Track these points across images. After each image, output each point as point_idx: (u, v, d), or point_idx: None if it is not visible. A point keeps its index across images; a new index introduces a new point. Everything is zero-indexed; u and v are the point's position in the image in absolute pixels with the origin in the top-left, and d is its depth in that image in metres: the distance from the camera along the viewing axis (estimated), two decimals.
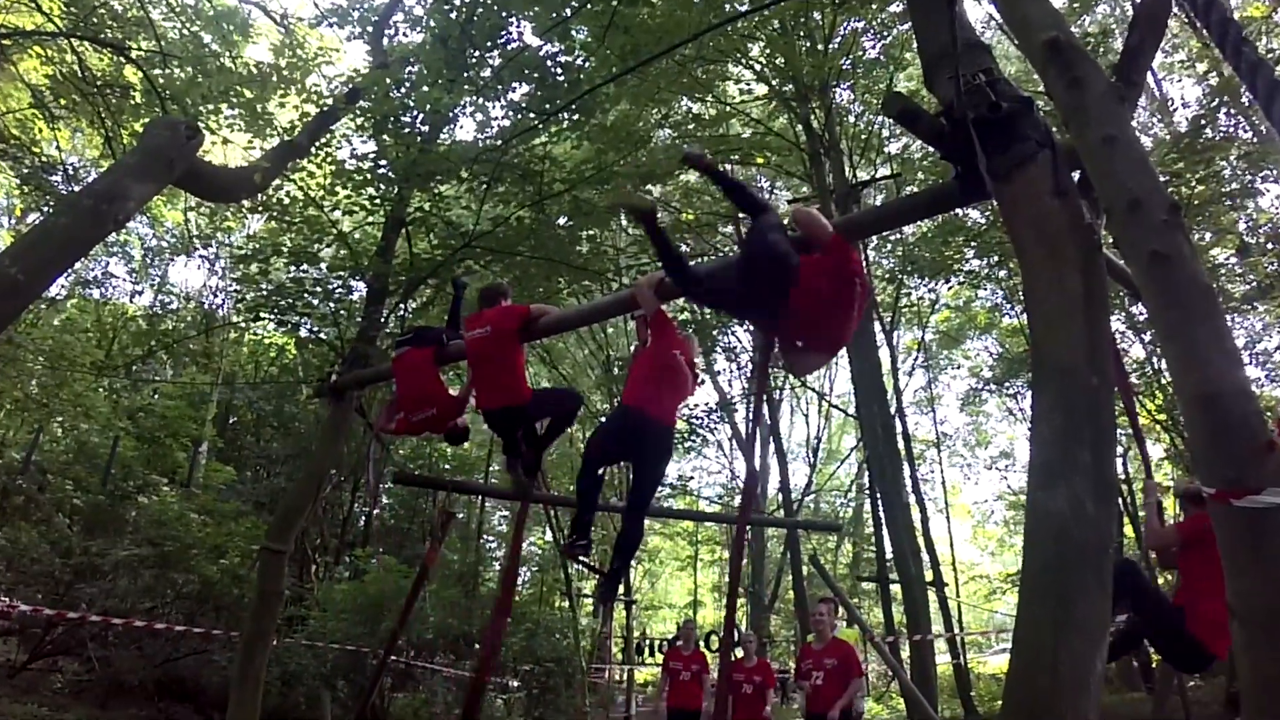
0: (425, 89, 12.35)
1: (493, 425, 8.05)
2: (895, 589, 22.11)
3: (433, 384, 8.29)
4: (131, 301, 27.26)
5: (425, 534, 25.89)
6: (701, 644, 14.21)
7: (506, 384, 7.64)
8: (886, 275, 24.80)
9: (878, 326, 25.22)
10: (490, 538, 34.46)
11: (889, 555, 21.99)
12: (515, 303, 8.27)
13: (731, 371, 30.79)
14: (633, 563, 36.88)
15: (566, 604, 29.31)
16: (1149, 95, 19.95)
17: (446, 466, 27.54)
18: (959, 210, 18.24)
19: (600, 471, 7.38)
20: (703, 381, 27.01)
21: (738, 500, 34.65)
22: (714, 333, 24.52)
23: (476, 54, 12.40)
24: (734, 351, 29.05)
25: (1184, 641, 6.01)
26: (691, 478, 34.51)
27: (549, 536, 31.03)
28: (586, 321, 9.82)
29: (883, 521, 22.24)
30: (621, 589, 29.54)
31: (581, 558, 7.95)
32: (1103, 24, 19.52)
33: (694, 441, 28.34)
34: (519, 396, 7.67)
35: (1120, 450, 21.20)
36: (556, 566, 31.50)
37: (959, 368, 32.81)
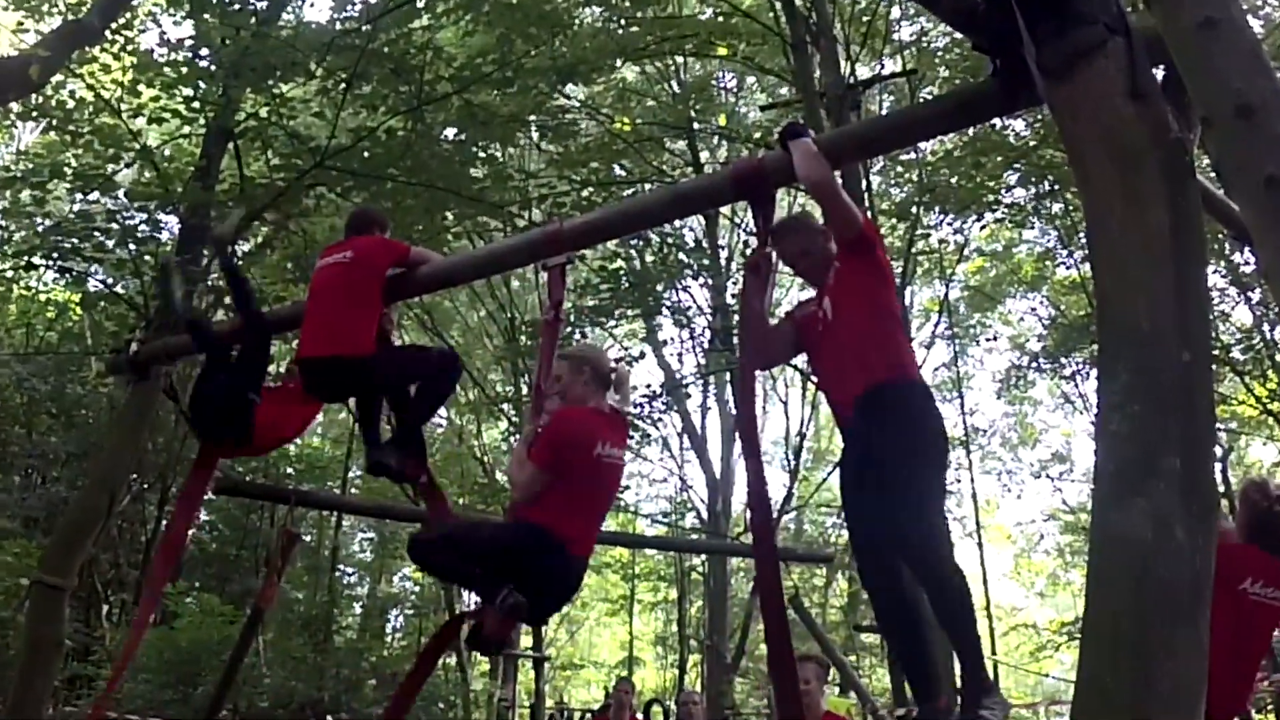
0: None
1: (317, 389, 8.02)
2: None
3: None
4: None
5: (259, 563, 25.69)
6: (640, 717, 14.22)
7: (344, 327, 7.59)
8: (896, 210, 24.79)
9: None
10: (348, 569, 34.37)
11: None
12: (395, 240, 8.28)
13: (682, 342, 30.66)
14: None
15: (453, 660, 29.29)
16: None
17: (290, 471, 27.37)
18: (996, 121, 18.37)
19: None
20: (638, 359, 26.97)
21: (691, 519, 34.99)
22: (659, 289, 24.51)
23: None
24: (686, 315, 28.92)
25: None
26: (626, 488, 34.14)
27: None
28: (483, 273, 9.78)
29: None
30: (528, 640, 29.68)
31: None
32: None
33: (630, 440, 28.35)
34: (357, 345, 7.59)
35: (1219, 452, 21.33)
36: (440, 609, 31.48)
37: (995, 338, 33.01)
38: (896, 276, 22.61)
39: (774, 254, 6.44)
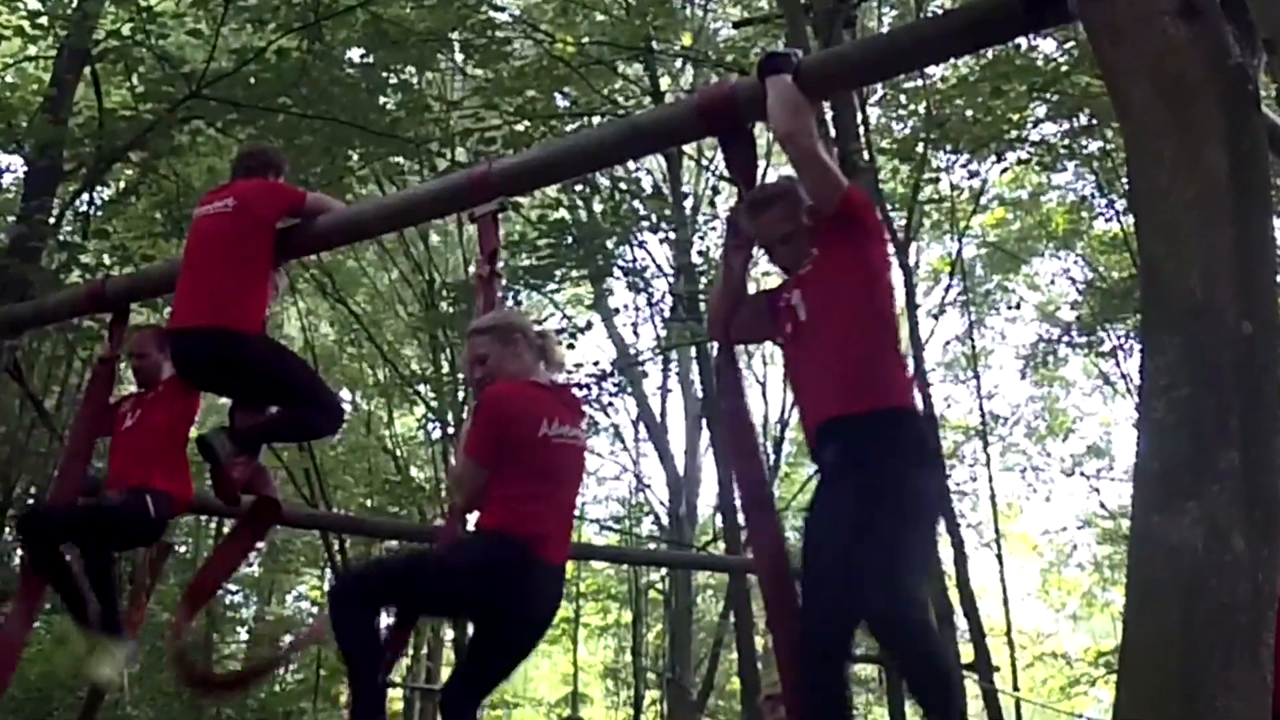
0: None
1: (189, 370, 8.07)
2: None
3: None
4: None
5: (124, 580, 25.57)
6: None
7: (225, 292, 7.62)
8: (899, 150, 24.74)
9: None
10: (232, 586, 34.23)
11: None
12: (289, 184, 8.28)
13: (638, 310, 30.57)
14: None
15: (346, 698, 29.30)
16: None
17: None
18: (1020, 40, 18.40)
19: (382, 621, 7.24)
20: (584, 330, 27.00)
21: (648, 526, 34.88)
22: (610, 245, 24.48)
23: None
24: (642, 276, 28.77)
25: None
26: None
27: (329, 580, 30.95)
28: (396, 224, 9.78)
29: None
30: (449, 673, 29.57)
31: None
32: None
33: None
34: (241, 317, 7.62)
35: None
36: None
37: (1019, 305, 32.93)
38: (899, 229, 22.66)
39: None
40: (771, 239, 6.17)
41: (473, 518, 6.82)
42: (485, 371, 6.66)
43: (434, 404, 27.78)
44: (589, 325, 27.58)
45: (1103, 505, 33.02)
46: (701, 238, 25.03)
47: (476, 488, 6.39)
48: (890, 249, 6.31)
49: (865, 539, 5.30)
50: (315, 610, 34.88)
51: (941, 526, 23.85)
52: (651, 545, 32.35)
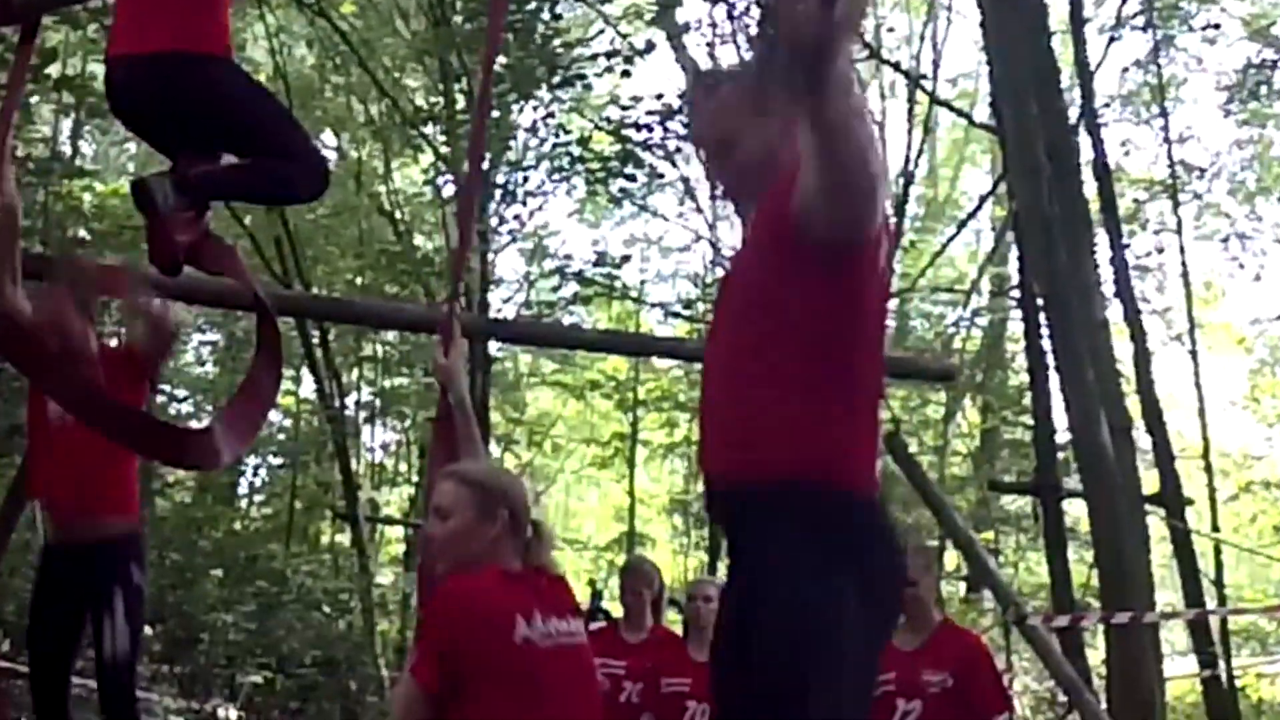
0: None
1: (124, 107, 8.13)
2: (1077, 513, 22.84)
3: None
4: None
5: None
6: (669, 612, 13.89)
7: (176, 8, 7.71)
8: None
9: None
10: (178, 392, 34.70)
11: (1061, 438, 22.79)
12: None
13: (714, 25, 29.53)
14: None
15: (346, 538, 29.96)
16: None
17: (83, 234, 27.50)
18: None
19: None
20: (645, 53, 27.40)
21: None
22: None
23: None
24: None
25: None
26: (626, 259, 33.10)
27: (307, 383, 31.60)
28: None
29: (1049, 364, 23.04)
30: None
31: None
32: None
33: (632, 182, 28.27)
34: (196, 37, 7.70)
35: None
36: (327, 457, 32.09)
37: (1218, 25, 32.04)
38: None
39: None
40: (707, 140, 5.40)
41: None
42: (445, 534, 6.31)
43: (444, 150, 27.35)
44: (650, 46, 27.71)
45: None
46: None
47: None
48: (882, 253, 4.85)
49: (757, 660, 4.59)
50: (288, 425, 35.57)
51: (1118, 315, 24.36)
52: None
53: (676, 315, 33.75)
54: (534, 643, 5.89)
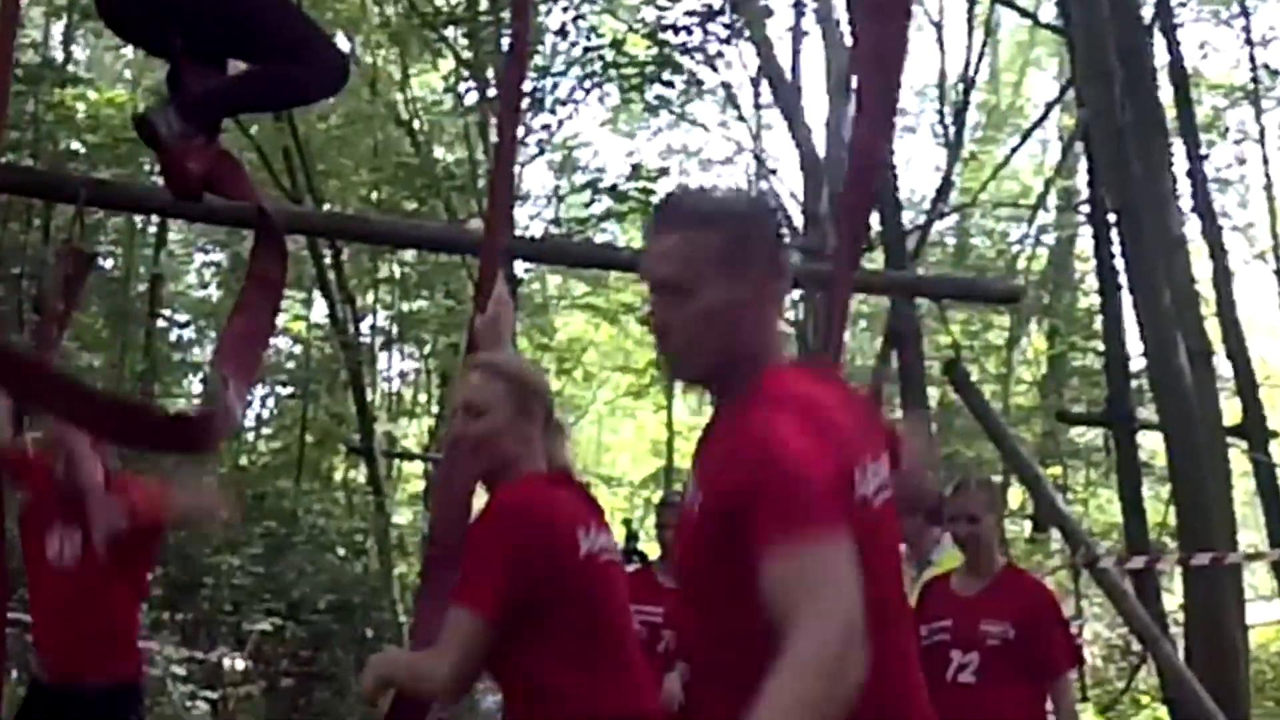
0: None
1: (115, 12, 8.09)
2: (1152, 446, 22.82)
3: None
4: None
5: (26, 309, 25.97)
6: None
7: None
8: None
9: None
10: (179, 316, 34.72)
11: (1135, 365, 22.67)
12: None
13: None
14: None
15: (361, 474, 30.06)
16: None
17: (78, 148, 27.49)
18: None
19: None
20: None
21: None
22: None
23: None
24: None
25: None
26: (664, 173, 33.32)
27: (319, 307, 31.63)
28: None
29: (1121, 285, 22.97)
30: None
31: None
32: None
33: (669, 88, 28.24)
34: None
35: None
36: (340, 386, 32.12)
37: None
38: None
39: None
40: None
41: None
42: (479, 431, 5.90)
43: (467, 55, 27.71)
44: None
45: None
46: None
47: (473, 665, 5.52)
48: None
49: None
50: (298, 349, 35.34)
51: (1196, 232, 24.27)
52: None
53: None
54: (595, 558, 5.63)
